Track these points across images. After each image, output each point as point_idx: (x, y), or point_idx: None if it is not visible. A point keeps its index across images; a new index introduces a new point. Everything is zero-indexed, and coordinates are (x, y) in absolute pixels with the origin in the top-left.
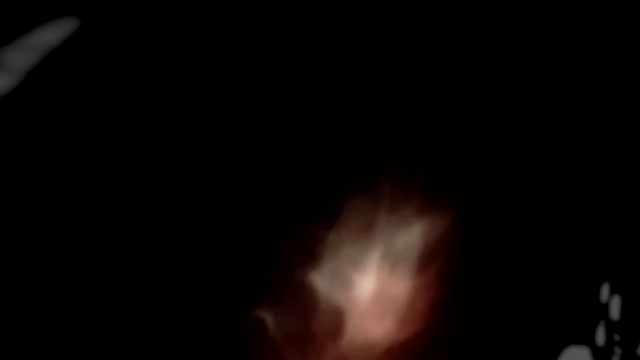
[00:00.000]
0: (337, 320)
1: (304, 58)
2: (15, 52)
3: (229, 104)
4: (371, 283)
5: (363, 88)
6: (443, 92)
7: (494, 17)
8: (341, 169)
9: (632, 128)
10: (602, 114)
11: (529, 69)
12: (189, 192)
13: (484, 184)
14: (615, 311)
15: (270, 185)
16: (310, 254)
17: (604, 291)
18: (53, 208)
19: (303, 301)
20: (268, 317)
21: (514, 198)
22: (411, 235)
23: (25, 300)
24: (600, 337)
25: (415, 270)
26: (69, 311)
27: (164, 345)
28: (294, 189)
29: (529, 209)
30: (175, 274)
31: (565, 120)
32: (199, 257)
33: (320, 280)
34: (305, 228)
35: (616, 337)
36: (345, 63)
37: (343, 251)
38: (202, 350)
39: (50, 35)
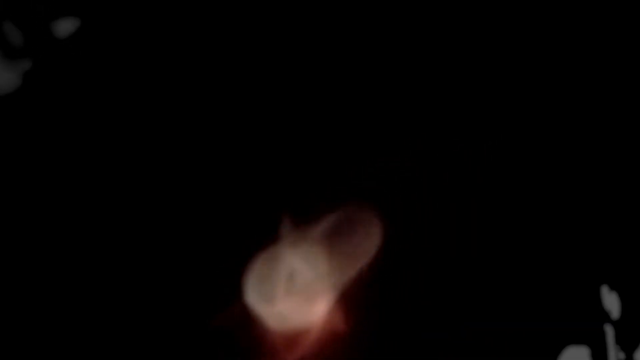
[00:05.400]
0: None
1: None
2: (17, 51)
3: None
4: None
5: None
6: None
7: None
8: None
9: (632, 128)
10: (602, 113)
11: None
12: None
13: (484, 181)
14: (615, 311)
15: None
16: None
17: (604, 291)
18: (53, 207)
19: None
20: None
21: (512, 197)
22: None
23: (24, 300)
24: (601, 336)
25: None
26: (56, 308)
27: (153, 342)
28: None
29: (528, 209)
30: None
31: (565, 120)
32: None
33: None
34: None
35: (616, 337)
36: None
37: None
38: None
39: (52, 34)
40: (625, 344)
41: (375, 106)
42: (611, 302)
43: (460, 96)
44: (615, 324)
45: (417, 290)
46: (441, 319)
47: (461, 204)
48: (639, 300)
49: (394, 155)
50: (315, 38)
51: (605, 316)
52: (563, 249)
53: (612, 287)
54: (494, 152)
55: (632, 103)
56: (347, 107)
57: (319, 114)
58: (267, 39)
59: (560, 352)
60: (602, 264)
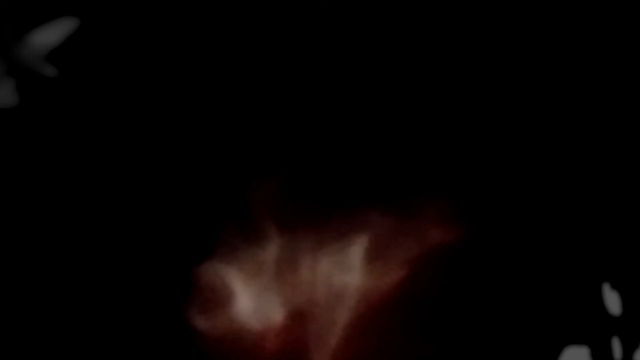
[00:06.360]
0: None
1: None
2: (17, 52)
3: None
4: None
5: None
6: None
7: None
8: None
9: (632, 128)
10: (602, 113)
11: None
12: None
13: (484, 180)
14: (615, 311)
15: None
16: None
17: (604, 291)
18: (52, 207)
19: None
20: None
21: (512, 196)
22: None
23: (19, 299)
24: (600, 336)
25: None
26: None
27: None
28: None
29: (528, 208)
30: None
31: (565, 120)
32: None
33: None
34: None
35: (616, 336)
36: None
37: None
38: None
39: (51, 35)
40: (626, 344)
41: (374, 106)
42: (612, 301)
43: (460, 96)
44: (616, 323)
45: (415, 289)
46: (441, 319)
47: (461, 204)
48: (639, 300)
49: (394, 156)
50: (314, 37)
51: (606, 316)
52: (563, 248)
53: (613, 286)
54: (494, 152)
55: (632, 103)
56: (345, 108)
57: (318, 114)
58: (266, 39)
59: (560, 352)
60: (602, 263)
